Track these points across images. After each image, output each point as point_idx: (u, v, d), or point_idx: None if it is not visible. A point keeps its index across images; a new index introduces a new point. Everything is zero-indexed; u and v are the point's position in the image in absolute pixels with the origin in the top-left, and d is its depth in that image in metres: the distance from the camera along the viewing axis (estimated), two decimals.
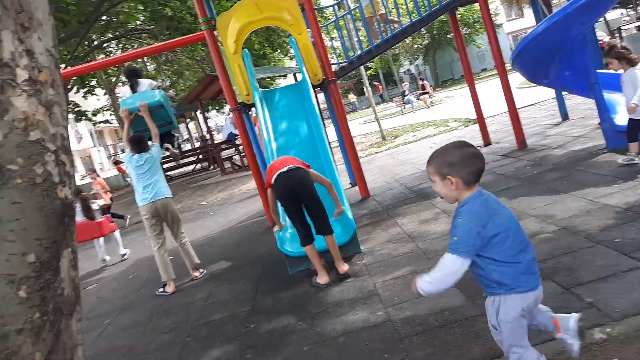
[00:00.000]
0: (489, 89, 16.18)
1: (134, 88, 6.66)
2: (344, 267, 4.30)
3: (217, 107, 27.36)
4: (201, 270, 5.65)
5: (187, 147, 34.18)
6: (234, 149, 16.35)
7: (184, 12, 13.20)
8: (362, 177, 7.16)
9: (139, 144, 5.41)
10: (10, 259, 1.33)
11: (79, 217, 7.20)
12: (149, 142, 5.51)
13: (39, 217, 1.38)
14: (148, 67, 24.87)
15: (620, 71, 5.08)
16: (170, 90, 12.95)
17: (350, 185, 8.03)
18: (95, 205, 7.73)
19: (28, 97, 1.43)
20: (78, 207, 7.23)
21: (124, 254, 7.78)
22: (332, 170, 5.55)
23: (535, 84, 6.96)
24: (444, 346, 2.81)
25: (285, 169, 4.19)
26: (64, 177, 1.47)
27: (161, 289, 5.33)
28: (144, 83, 6.76)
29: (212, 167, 18.89)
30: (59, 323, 1.41)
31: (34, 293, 1.35)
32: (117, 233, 7.87)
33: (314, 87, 6.99)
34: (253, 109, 7.17)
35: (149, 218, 5.28)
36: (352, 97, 42.85)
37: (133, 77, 6.80)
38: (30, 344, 1.33)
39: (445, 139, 10.91)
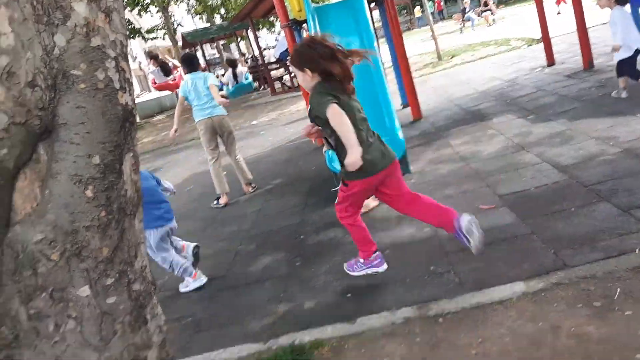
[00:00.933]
0: (558, 7, 14.97)
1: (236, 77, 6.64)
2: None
3: (267, 26, 26.88)
4: (253, 185, 5.81)
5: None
6: (284, 68, 16.16)
7: None
8: (415, 98, 6.97)
9: (191, 63, 5.49)
10: (77, 160, 1.39)
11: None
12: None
13: (102, 122, 1.43)
14: None
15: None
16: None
17: (402, 107, 7.86)
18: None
19: (88, 3, 1.44)
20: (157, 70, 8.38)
21: None
22: (383, 87, 5.40)
23: None
24: (491, 262, 2.83)
25: None
26: (124, 84, 1.50)
27: (215, 202, 5.56)
28: (242, 72, 6.70)
29: (262, 87, 18.86)
30: (123, 222, 1.50)
31: (99, 193, 1.42)
32: None
33: (369, 2, 6.67)
34: (305, 25, 6.97)
35: (205, 133, 5.42)
36: (418, 11, 40.24)
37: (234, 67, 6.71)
38: (98, 239, 1.43)
39: (506, 58, 10.35)
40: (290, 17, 6.87)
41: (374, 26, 6.46)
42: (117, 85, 1.47)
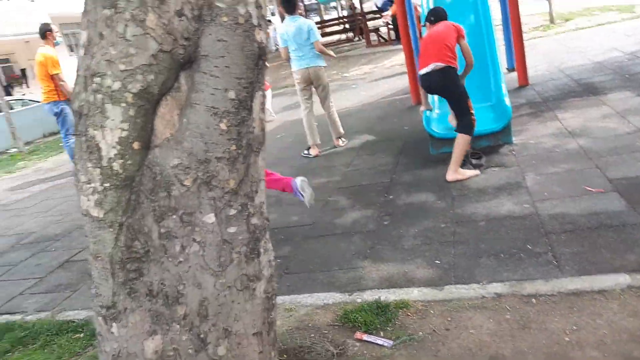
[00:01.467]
0: None
1: None
2: (449, 176, 4.03)
3: None
4: (343, 139, 5.82)
5: (332, 14, 33.58)
6: (382, 19, 15.69)
7: None
8: (524, 63, 6.54)
9: (289, 4, 5.38)
10: (215, 93, 1.45)
11: None
12: None
13: (240, 57, 1.47)
14: None
15: None
16: None
17: (507, 71, 7.43)
18: None
19: None
20: None
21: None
22: (494, 50, 5.14)
23: None
24: (594, 248, 2.68)
25: (423, 71, 4.08)
26: (261, 21, 1.52)
27: (306, 151, 5.65)
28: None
29: (357, 38, 18.50)
30: (249, 157, 1.57)
31: (232, 127, 1.48)
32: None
33: None
34: None
35: (300, 82, 5.46)
36: None
37: None
38: (227, 171, 1.50)
39: (628, 27, 9.39)
40: None
41: None
42: (255, 22, 1.50)
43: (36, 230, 5.12)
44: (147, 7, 1.33)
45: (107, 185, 1.41)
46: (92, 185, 1.42)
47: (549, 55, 8.34)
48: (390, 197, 3.98)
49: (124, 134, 1.39)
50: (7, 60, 21.38)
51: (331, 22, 21.34)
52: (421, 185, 4.06)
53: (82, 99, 1.41)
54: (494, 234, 3.04)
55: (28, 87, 21.49)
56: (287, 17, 5.40)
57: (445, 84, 4.03)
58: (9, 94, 16.94)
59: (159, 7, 1.35)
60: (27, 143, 11.03)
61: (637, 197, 3.06)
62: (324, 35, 19.41)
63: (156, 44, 1.36)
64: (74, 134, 5.67)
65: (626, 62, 6.59)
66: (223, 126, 1.46)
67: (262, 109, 1.64)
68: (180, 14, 1.38)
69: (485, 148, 4.44)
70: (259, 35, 1.51)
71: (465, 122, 4.01)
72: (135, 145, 1.41)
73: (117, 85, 1.36)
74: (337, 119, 5.71)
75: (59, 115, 6.83)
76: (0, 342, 2.98)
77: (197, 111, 1.46)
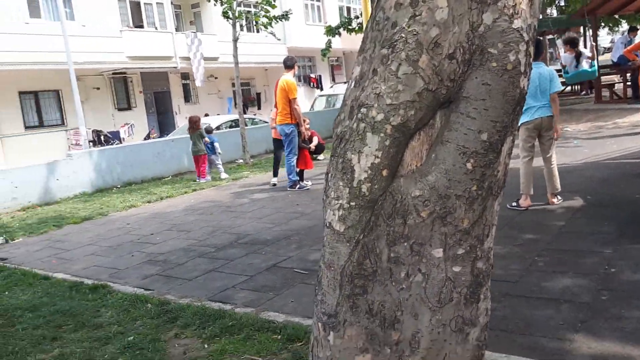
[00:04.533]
0: None
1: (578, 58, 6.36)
2: None
3: (610, 25, 23.80)
4: (559, 197, 5.39)
5: (556, 65, 31.42)
6: (619, 75, 14.18)
7: None
8: None
9: (536, 49, 5.25)
10: (468, 133, 1.51)
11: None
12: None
13: (501, 101, 1.51)
14: None
15: None
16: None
17: None
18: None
19: None
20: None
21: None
22: None
23: None
24: None
25: None
26: (527, 68, 1.55)
27: (514, 203, 5.36)
28: (586, 55, 6.31)
29: (584, 92, 17.03)
30: (487, 200, 1.59)
31: (477, 168, 1.52)
32: None
33: None
34: None
35: (531, 130, 5.25)
36: None
37: (574, 46, 6.37)
38: (464, 210, 1.54)
39: None
40: None
41: None
42: (522, 69, 1.53)
43: (252, 232, 5.80)
44: (422, 48, 1.45)
45: (353, 203, 1.55)
46: (340, 201, 1.57)
47: None
48: (612, 270, 3.53)
49: (377, 160, 1.52)
50: (247, 84, 24.78)
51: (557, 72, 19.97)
52: None
53: (345, 125, 1.59)
54: None
55: (260, 108, 24.58)
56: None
57: None
58: (244, 113, 19.60)
59: (433, 50, 1.46)
60: (252, 156, 12.59)
61: None
62: None
63: (423, 82, 1.48)
64: (295, 154, 6.35)
65: None
66: (469, 166, 1.51)
67: (509, 154, 1.65)
68: (451, 57, 1.47)
69: None
70: (523, 82, 1.53)
71: None
72: (384, 172, 1.53)
73: (380, 116, 1.50)
74: (557, 174, 5.33)
75: (288, 135, 7.69)
76: (212, 326, 3.41)
77: (446, 148, 1.53)
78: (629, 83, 12.78)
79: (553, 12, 24.48)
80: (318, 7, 27.30)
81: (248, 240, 5.50)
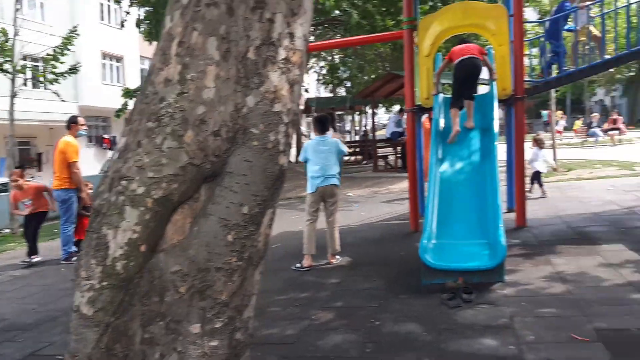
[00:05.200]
0: None
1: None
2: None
3: (387, 105, 27.60)
4: (338, 257, 5.84)
5: (347, 138, 35.14)
6: (392, 148, 16.43)
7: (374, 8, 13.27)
8: (523, 205, 6.73)
9: (322, 124, 5.83)
10: (230, 206, 1.56)
11: None
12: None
13: (261, 177, 1.60)
14: (335, 57, 25.91)
15: None
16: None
17: (507, 210, 7.60)
18: None
19: (280, 74, 1.67)
20: None
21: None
22: (496, 190, 5.31)
23: None
24: None
25: (468, 56, 5.98)
26: (286, 147, 1.68)
27: (298, 264, 5.64)
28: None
29: (365, 161, 19.25)
30: (247, 271, 1.63)
31: (238, 240, 1.57)
32: None
33: (500, 101, 6.72)
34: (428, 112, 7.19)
35: (316, 198, 5.72)
36: (560, 115, 37.56)
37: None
38: (223, 282, 1.55)
39: (627, 183, 9.72)
40: (416, 103, 7.09)
41: (498, 123, 6.45)
42: (281, 148, 1.66)
43: (9, 317, 4.96)
44: (188, 124, 1.49)
45: (105, 283, 1.45)
46: (91, 282, 1.46)
47: (549, 200, 8.58)
48: (377, 323, 3.90)
49: (135, 235, 1.46)
50: (28, 143, 22.18)
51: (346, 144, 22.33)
52: (410, 314, 4.00)
53: (104, 198, 1.51)
54: None
55: (40, 170, 22.03)
56: (317, 137, 5.77)
57: (480, 66, 6.29)
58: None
59: (198, 126, 1.51)
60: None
61: (622, 350, 3.01)
62: None
63: (187, 157, 1.50)
64: (73, 223, 5.71)
65: (622, 217, 6.75)
66: (230, 238, 1.55)
67: (270, 225, 1.73)
68: (217, 134, 1.53)
69: (477, 284, 4.42)
70: (282, 160, 1.65)
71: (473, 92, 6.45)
72: (142, 247, 1.48)
73: (141, 190, 1.47)
74: (337, 236, 5.81)
75: (65, 202, 6.96)
76: None
77: (209, 221, 1.55)
78: (399, 155, 14.81)
79: (342, 91, 27.49)
80: (117, 67, 26.26)
81: (2, 327, 4.67)
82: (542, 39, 8.81)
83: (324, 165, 5.67)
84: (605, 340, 3.17)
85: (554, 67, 8.15)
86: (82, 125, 7.27)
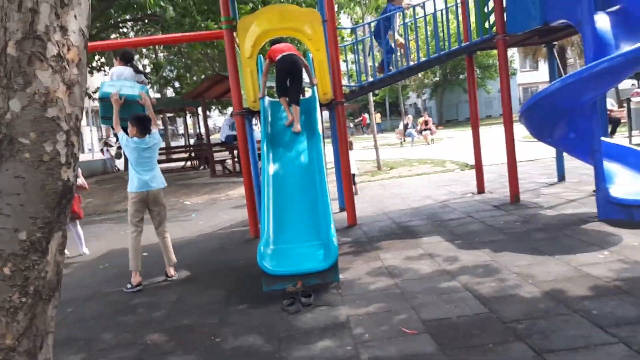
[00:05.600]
0: (491, 137, 16.32)
1: (137, 71, 6.65)
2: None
3: (219, 107, 27.29)
4: (174, 271, 5.53)
5: (180, 142, 33.96)
6: (228, 152, 16.26)
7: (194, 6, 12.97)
8: (352, 204, 7.12)
9: (143, 125, 5.30)
10: (2, 233, 1.28)
11: None
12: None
13: (39, 195, 1.34)
14: (159, 55, 24.80)
15: None
16: (153, 98, 12.48)
17: (339, 210, 7.98)
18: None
19: (53, 73, 1.41)
20: None
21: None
22: (325, 191, 5.51)
23: (537, 141, 7.02)
24: None
25: (288, 53, 6.46)
26: (70, 159, 1.43)
27: (129, 285, 5.18)
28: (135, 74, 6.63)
29: (202, 167, 18.78)
30: (35, 307, 1.36)
31: (18, 272, 1.29)
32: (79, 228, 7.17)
33: (321, 105, 6.99)
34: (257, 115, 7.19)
35: (136, 203, 5.19)
36: (378, 117, 40.02)
37: (130, 62, 6.72)
38: (4, 324, 1.27)
39: (440, 179, 10.94)
40: (245, 106, 7.03)
41: (322, 126, 6.71)
42: (63, 160, 1.41)
43: None
44: None
45: None
46: None
47: (375, 198, 9.24)
48: (217, 340, 3.75)
49: None
50: None
51: (177, 149, 21.51)
52: (250, 325, 3.92)
53: None
54: None
55: None
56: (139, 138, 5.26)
57: (300, 61, 6.69)
58: None
59: None
60: None
61: (446, 339, 3.29)
62: (169, 160, 19.36)
63: None
64: None
65: (437, 210, 7.54)
66: (7, 271, 1.27)
67: (61, 250, 1.47)
68: None
69: (314, 286, 4.53)
70: (66, 174, 1.41)
71: (299, 96, 6.88)
72: None
73: None
74: (170, 245, 5.46)
75: None
76: None
77: None
78: (236, 159, 14.70)
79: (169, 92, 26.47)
80: None
81: None
82: (369, 39, 9.35)
83: (147, 167, 5.27)
84: (430, 331, 3.44)
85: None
86: None
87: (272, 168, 6.06)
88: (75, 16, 1.44)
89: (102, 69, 18.09)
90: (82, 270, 6.33)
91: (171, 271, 5.46)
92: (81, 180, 6.95)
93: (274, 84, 7.21)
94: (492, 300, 3.85)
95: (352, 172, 8.58)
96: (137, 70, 6.71)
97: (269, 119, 6.78)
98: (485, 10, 7.78)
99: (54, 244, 1.43)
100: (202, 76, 21.03)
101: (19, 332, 1.32)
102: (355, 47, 9.31)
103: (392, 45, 8.47)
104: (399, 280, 4.53)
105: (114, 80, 6.22)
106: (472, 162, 9.57)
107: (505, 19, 7.31)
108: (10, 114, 1.33)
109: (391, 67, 8.33)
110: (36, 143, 1.36)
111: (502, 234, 5.74)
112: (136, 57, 24.29)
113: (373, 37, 8.71)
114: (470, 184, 9.32)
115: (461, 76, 39.83)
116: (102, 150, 22.13)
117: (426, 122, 23.75)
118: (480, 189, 8.60)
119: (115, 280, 5.58)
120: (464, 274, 4.51)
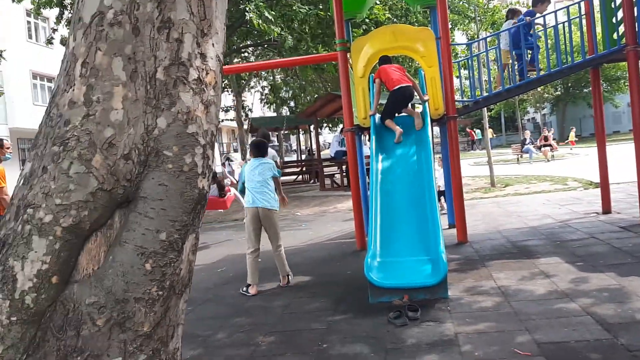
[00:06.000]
0: (619, 154, 14.92)
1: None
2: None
3: (330, 125, 27.97)
4: (289, 278, 5.76)
5: (292, 157, 35.26)
6: (337, 167, 16.60)
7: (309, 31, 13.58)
8: (463, 221, 6.92)
9: (258, 148, 5.69)
10: (146, 233, 1.47)
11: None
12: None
13: (178, 201, 1.53)
14: (276, 77, 26.10)
15: None
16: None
17: (448, 227, 7.79)
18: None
19: (193, 95, 1.61)
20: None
21: None
22: (434, 207, 5.44)
23: None
24: None
25: (405, 85, 6.43)
26: (205, 170, 1.62)
27: (245, 288, 5.52)
28: (270, 153, 6.93)
29: (312, 180, 19.33)
30: (170, 300, 1.54)
31: (157, 268, 1.48)
32: None
33: (432, 121, 6.93)
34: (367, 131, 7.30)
35: (251, 221, 5.52)
36: (490, 132, 38.84)
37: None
38: (144, 313, 1.46)
39: (560, 197, 10.22)
40: (355, 123, 7.20)
41: (433, 142, 6.64)
42: (199, 171, 1.59)
43: None
44: (96, 148, 1.41)
45: (14, 319, 1.33)
46: None
47: (489, 216, 8.87)
48: (324, 346, 3.85)
49: (45, 267, 1.36)
50: None
51: (290, 164, 22.40)
52: (357, 335, 3.97)
53: (10, 227, 1.40)
54: None
55: None
56: (253, 159, 5.66)
57: (412, 94, 6.64)
58: None
59: (107, 150, 1.43)
60: None
61: None
62: (283, 175, 20.21)
63: (97, 182, 1.41)
64: None
65: (557, 230, 7.06)
66: (148, 266, 1.47)
67: (194, 251, 1.66)
68: (127, 157, 1.46)
69: (422, 301, 4.47)
70: (202, 183, 1.59)
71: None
72: (54, 279, 1.38)
73: (48, 218, 1.37)
74: (284, 259, 5.71)
75: None
76: None
77: (124, 249, 1.46)
78: (344, 174, 14.95)
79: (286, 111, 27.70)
80: (49, 87, 25.24)
81: None
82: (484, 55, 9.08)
83: (257, 186, 5.55)
84: (546, 354, 3.25)
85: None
86: (7, 148, 6.89)
87: (381, 182, 6.10)
88: (213, 44, 1.64)
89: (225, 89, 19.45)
90: (201, 272, 6.82)
91: (284, 281, 5.69)
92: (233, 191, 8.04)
93: (382, 101, 7.28)
94: (617, 326, 3.54)
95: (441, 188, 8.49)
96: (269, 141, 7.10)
97: (379, 135, 6.84)
98: (614, 20, 7.21)
99: (188, 245, 1.61)
100: (315, 95, 21.76)
101: (155, 321, 1.50)
102: (469, 62, 9.10)
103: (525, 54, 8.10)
104: (512, 300, 4.32)
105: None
106: (597, 180, 8.84)
107: (636, 29, 6.72)
108: (157, 130, 1.53)
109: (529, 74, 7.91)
110: (178, 155, 1.55)
111: (630, 257, 5.23)
112: (254, 79, 25.83)
113: (506, 47, 8.36)
114: (594, 203, 8.61)
115: (585, 90, 36.93)
116: (223, 164, 23.64)
117: (546, 138, 22.33)
118: (606, 209, 7.90)
119: (232, 283, 5.95)
120: (585, 297, 4.19)
